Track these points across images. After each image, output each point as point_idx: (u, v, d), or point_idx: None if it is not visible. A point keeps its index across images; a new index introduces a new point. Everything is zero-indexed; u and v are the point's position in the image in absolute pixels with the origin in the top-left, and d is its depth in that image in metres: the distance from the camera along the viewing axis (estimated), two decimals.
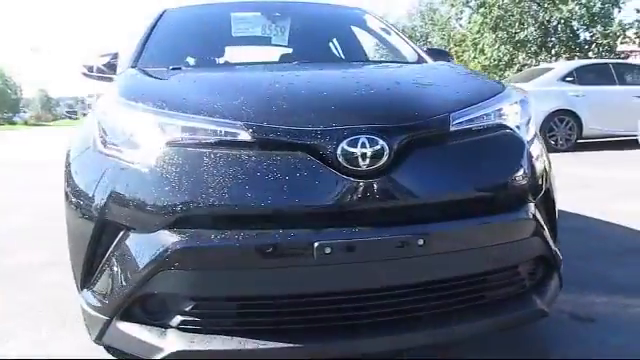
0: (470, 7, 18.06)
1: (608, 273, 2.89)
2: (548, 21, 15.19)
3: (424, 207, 1.61)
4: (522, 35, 15.39)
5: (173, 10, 3.14)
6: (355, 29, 3.24)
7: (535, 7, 15.89)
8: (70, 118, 49.95)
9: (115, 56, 2.80)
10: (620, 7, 14.56)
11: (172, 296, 1.59)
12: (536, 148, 1.91)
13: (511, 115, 1.88)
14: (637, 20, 14.47)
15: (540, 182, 1.84)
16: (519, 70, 14.56)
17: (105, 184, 1.69)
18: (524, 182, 1.76)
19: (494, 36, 16.17)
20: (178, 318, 1.58)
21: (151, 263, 1.54)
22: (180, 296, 1.57)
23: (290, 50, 2.98)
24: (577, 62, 11.24)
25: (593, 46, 15.02)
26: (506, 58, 15.90)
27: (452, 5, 18.66)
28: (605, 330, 2.23)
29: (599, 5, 14.71)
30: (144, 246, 1.57)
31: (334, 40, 3.27)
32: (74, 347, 2.23)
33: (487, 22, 16.25)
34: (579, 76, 9.83)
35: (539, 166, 1.87)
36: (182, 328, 1.58)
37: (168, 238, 1.53)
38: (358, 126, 1.60)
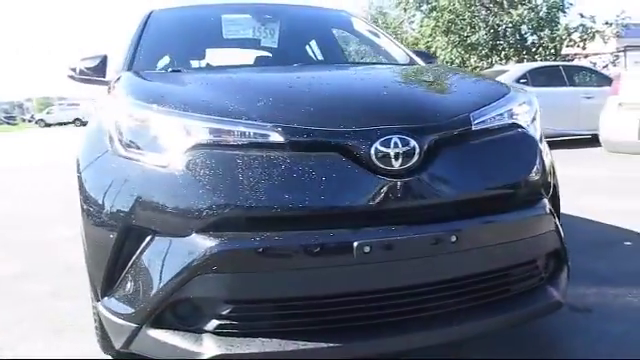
0: (422, 11, 18.43)
1: (591, 266, 3.01)
2: (498, 25, 15.66)
3: (454, 204, 1.66)
4: (473, 39, 15.81)
5: (160, 12, 3.09)
6: (345, 31, 3.27)
7: (484, 12, 16.36)
8: (8, 124, 47.78)
9: (104, 59, 2.74)
10: (565, 12, 15.21)
11: (208, 300, 1.56)
12: (544, 146, 1.99)
13: (521, 114, 1.95)
14: (581, 24, 15.12)
15: (549, 178, 1.92)
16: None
17: (130, 188, 1.66)
18: (539, 178, 1.84)
19: (446, 39, 16.55)
20: (214, 322, 1.56)
21: (187, 267, 1.51)
22: (217, 300, 1.55)
23: (286, 52, 2.98)
24: (530, 64, 11.64)
25: (540, 49, 15.59)
26: (458, 61, 16.29)
27: (404, 9, 18.98)
28: (603, 320, 2.34)
29: (545, 10, 15.30)
30: (178, 250, 1.55)
31: (326, 42, 3.30)
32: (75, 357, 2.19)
33: (439, 26, 16.61)
34: (532, 78, 10.18)
35: (548, 163, 1.95)
36: (218, 332, 1.56)
37: (205, 241, 1.51)
38: (390, 126, 1.62)
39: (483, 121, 1.80)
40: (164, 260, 1.57)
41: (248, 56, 3.13)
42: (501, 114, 1.88)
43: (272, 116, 1.65)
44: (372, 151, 1.58)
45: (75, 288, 3.04)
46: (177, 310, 1.60)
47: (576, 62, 15.26)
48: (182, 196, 1.57)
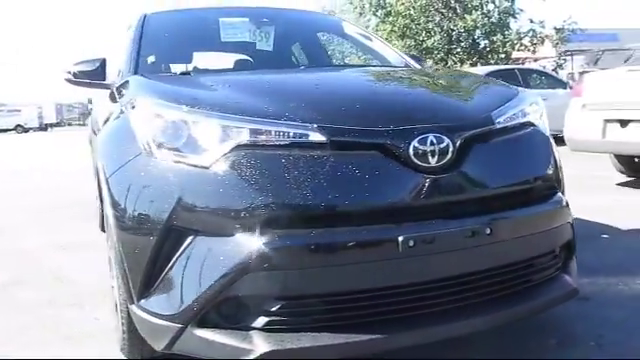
0: (377, 16, 18.71)
1: (578, 258, 3.17)
2: (452, 30, 16.09)
3: (486, 198, 1.75)
4: (429, 43, 16.20)
5: (156, 15, 3.08)
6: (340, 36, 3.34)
7: (438, 18, 16.78)
8: None
9: (104, 62, 2.71)
10: (516, 17, 15.80)
11: (257, 298, 1.59)
12: (553, 142, 2.11)
13: (532, 113, 2.06)
14: (531, 29, 15.73)
15: (560, 173, 2.04)
16: None
17: (170, 189, 1.67)
18: (554, 172, 1.95)
19: (402, 43, 16.87)
20: (263, 319, 1.59)
21: (237, 266, 1.54)
22: (266, 297, 1.58)
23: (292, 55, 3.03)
24: (487, 68, 12.01)
25: (492, 53, 16.11)
26: None
27: (360, 14, 19.22)
28: (602, 307, 2.47)
29: (497, 15, 15.85)
30: (225, 250, 1.57)
31: (322, 46, 3.36)
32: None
33: (395, 30, 16.93)
34: None
35: (558, 158, 2.07)
36: (267, 329, 1.59)
37: (256, 240, 1.53)
38: (426, 125, 1.70)
39: (503, 120, 1.90)
40: (210, 260, 1.59)
41: (255, 59, 3.14)
42: (515, 113, 1.98)
43: (312, 116, 1.69)
44: (410, 149, 1.65)
45: (71, 296, 2.99)
46: (223, 309, 1.61)
47: (527, 65, 15.85)
48: (228, 196, 1.59)
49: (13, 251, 4.09)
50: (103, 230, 4.37)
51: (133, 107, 2.00)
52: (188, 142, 1.70)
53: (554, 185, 1.94)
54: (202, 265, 1.60)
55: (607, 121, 5.09)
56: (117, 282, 1.91)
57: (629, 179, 5.88)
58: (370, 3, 17.23)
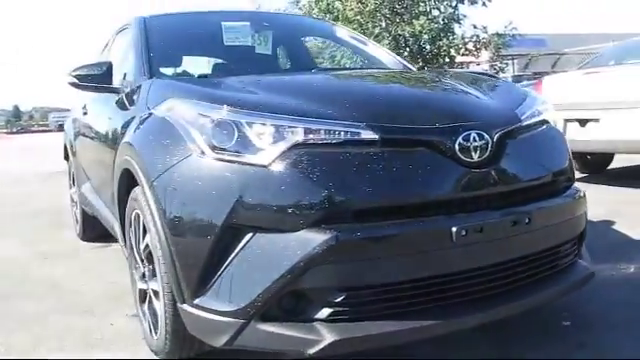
0: (326, 21, 18.92)
1: None
2: (399, 35, 16.46)
3: (523, 190, 1.89)
4: None
5: (155, 18, 3.08)
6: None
7: (385, 23, 17.12)
8: None
9: (110, 66, 2.70)
10: (460, 23, 16.35)
11: (320, 290, 1.65)
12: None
13: (545, 112, 2.21)
14: (475, 35, 16.31)
15: (573, 166, 2.21)
16: None
17: (227, 188, 1.71)
18: (570, 165, 2.11)
19: None
20: (326, 310, 1.65)
21: (302, 260, 1.59)
22: (330, 289, 1.65)
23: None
24: None
25: (438, 57, 16.59)
26: None
27: None
28: (608, 287, 2.63)
29: (441, 21, 16.33)
30: (289, 245, 1.62)
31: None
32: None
33: None
34: None
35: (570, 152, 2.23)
36: (331, 319, 1.65)
37: (320, 235, 1.60)
38: (468, 123, 1.82)
39: (525, 117, 2.04)
40: (273, 255, 1.64)
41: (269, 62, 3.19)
42: (533, 112, 2.13)
43: (360, 116, 1.78)
44: (456, 145, 1.76)
45: (76, 304, 2.94)
46: (285, 302, 1.67)
47: (471, 69, 16.45)
48: (290, 193, 1.65)
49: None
50: (83, 239, 4.31)
51: (170, 109, 2.02)
52: (243, 142, 1.74)
53: (571, 177, 2.10)
54: (265, 261, 1.65)
55: (567, 121, 5.40)
56: (161, 283, 1.92)
57: (583, 175, 6.24)
58: (319, 8, 17.38)
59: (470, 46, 16.42)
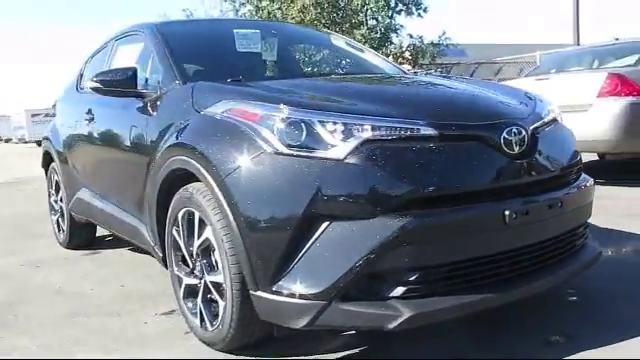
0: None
1: None
2: None
3: (554, 177, 2.15)
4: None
5: (164, 25, 3.16)
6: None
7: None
8: None
9: (135, 71, 2.77)
10: (397, 33, 17.04)
11: (396, 270, 1.83)
12: None
13: (554, 111, 2.49)
14: (411, 44, 17.05)
15: None
16: None
17: (305, 180, 1.86)
18: (580, 156, 2.40)
19: None
20: (401, 289, 1.83)
21: (380, 244, 1.77)
22: (404, 269, 1.83)
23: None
24: None
25: None
26: None
27: None
28: (605, 266, 2.93)
29: (380, 31, 16.96)
30: (367, 230, 1.79)
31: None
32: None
33: None
34: None
35: None
36: (404, 297, 1.84)
37: (396, 220, 1.78)
38: (509, 120, 2.07)
39: (544, 115, 2.32)
40: (352, 240, 1.81)
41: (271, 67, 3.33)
42: (546, 111, 2.41)
43: (420, 114, 1.98)
44: (501, 139, 2.00)
45: (96, 307, 2.96)
46: (363, 283, 1.83)
47: None
48: (367, 183, 1.82)
49: None
50: (69, 247, 4.25)
51: (228, 110, 2.14)
52: (315, 139, 1.90)
53: (581, 166, 2.39)
54: (344, 246, 1.81)
55: None
56: (229, 274, 2.03)
57: None
58: (260, 17, 17.54)
59: (407, 55, 17.15)
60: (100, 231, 4.47)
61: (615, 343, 2.07)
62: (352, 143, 1.87)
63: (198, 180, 2.20)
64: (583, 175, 2.38)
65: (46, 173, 4.69)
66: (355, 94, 2.23)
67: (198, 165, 2.13)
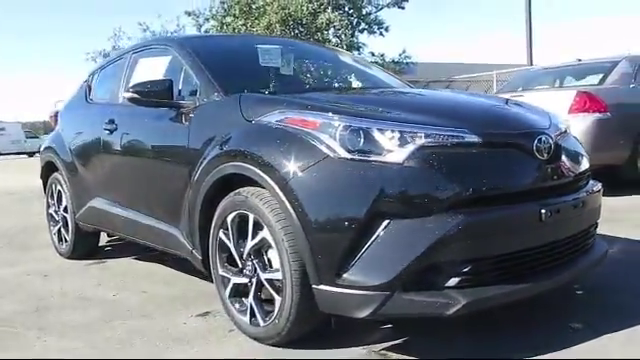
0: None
1: None
2: None
3: (574, 180, 2.42)
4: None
5: (188, 40, 3.31)
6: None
7: None
8: None
9: (171, 83, 2.91)
10: (360, 50, 17.48)
11: (451, 263, 2.04)
12: None
13: (563, 123, 2.78)
14: (373, 62, 17.49)
15: None
16: None
17: (369, 182, 2.05)
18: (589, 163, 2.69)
19: None
20: (455, 279, 2.04)
21: (439, 239, 1.97)
22: (458, 262, 2.04)
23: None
24: None
25: None
26: None
27: None
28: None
29: (343, 48, 17.36)
30: (426, 227, 1.99)
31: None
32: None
33: None
34: None
35: None
36: (458, 286, 2.05)
37: (451, 218, 1.99)
38: (539, 129, 2.33)
39: (561, 126, 2.59)
40: (412, 236, 2.00)
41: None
42: (559, 123, 2.69)
43: (463, 124, 2.21)
44: (534, 146, 2.25)
45: (128, 311, 3.02)
46: (422, 274, 2.03)
47: None
48: (422, 185, 2.03)
49: None
50: (71, 257, 4.27)
51: (284, 120, 2.31)
52: (373, 145, 2.10)
53: (591, 172, 2.68)
54: (405, 241, 2.01)
55: None
56: (289, 271, 2.18)
57: None
58: (226, 33, 17.66)
59: None
60: (101, 241, 4.54)
61: (627, 328, 2.33)
62: (409, 149, 2.08)
63: (251, 184, 2.36)
64: (592, 180, 2.67)
65: (45, 184, 4.69)
66: (399, 105, 2.45)
67: (257, 170, 2.28)
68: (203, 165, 2.61)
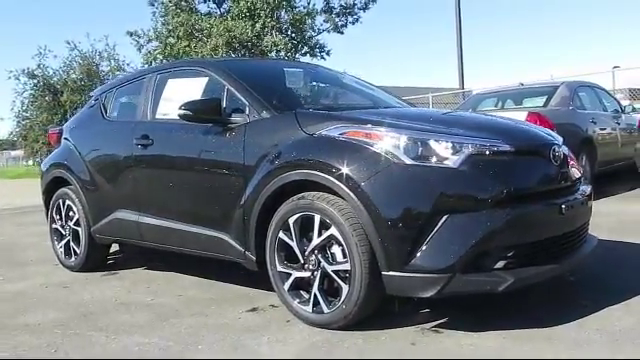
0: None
1: None
2: None
3: (577, 182, 2.96)
4: None
5: (229, 62, 3.65)
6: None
7: None
8: None
9: (219, 101, 3.23)
10: None
11: (499, 249, 2.49)
12: None
13: (560, 138, 3.33)
14: None
15: None
16: None
17: (430, 185, 2.48)
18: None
19: None
20: (502, 262, 2.50)
21: (491, 230, 2.43)
22: (505, 248, 2.50)
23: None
24: None
25: None
26: None
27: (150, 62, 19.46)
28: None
29: None
30: (480, 220, 2.44)
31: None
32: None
33: None
34: None
35: None
36: (504, 268, 2.50)
37: (499, 212, 2.46)
38: (551, 142, 2.87)
39: (561, 140, 3.14)
40: (468, 227, 2.45)
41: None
42: (559, 137, 3.23)
43: (497, 136, 2.70)
44: (551, 155, 2.77)
45: (178, 310, 3.26)
46: (476, 258, 2.47)
47: None
48: (475, 186, 2.49)
49: (13, 291, 3.92)
50: (82, 269, 4.40)
51: (346, 132, 2.71)
52: (431, 153, 2.54)
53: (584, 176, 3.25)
54: (461, 232, 2.45)
55: None
56: (359, 261, 2.56)
57: None
58: (170, 54, 17.69)
59: None
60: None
61: (622, 302, 2.87)
62: (461, 156, 2.53)
63: (314, 189, 2.73)
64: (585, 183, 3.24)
65: (48, 200, 4.76)
66: (438, 121, 2.92)
67: (327, 176, 2.65)
68: (262, 174, 2.94)
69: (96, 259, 4.46)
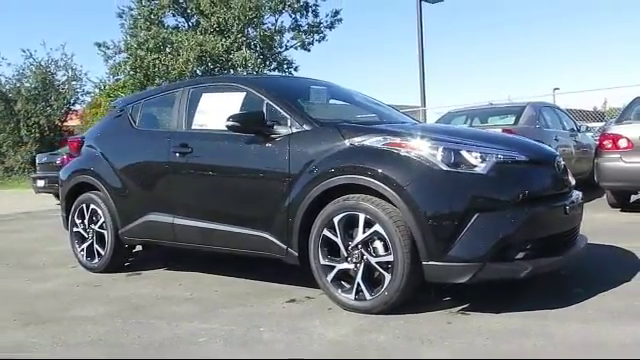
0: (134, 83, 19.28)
1: None
2: None
3: (571, 188, 3.51)
4: None
5: (261, 80, 4.06)
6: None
7: None
8: None
9: (263, 114, 3.64)
10: None
11: (520, 242, 2.98)
12: None
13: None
14: None
15: None
16: None
17: (463, 188, 2.96)
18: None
19: None
20: (521, 253, 2.99)
21: (515, 225, 2.93)
22: (524, 241, 3.00)
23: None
24: None
25: None
26: None
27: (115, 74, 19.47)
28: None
29: None
30: (505, 217, 2.93)
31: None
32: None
33: None
34: None
35: None
36: (523, 258, 3.00)
37: (521, 211, 2.96)
38: (554, 153, 3.42)
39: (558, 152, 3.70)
40: (496, 224, 2.93)
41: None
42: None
43: (513, 148, 3.21)
44: (556, 164, 3.31)
45: (216, 304, 3.56)
46: (501, 250, 2.95)
47: None
48: (500, 188, 2.99)
49: (48, 290, 4.14)
50: (106, 270, 4.65)
51: (386, 142, 3.17)
52: (463, 161, 3.02)
53: (574, 183, 3.79)
54: (490, 227, 2.93)
55: None
56: (401, 253, 2.99)
57: None
58: (140, 66, 17.76)
59: None
60: None
61: (609, 290, 3.41)
62: (489, 164, 3.02)
63: (356, 192, 3.17)
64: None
65: (69, 206, 4.98)
66: (459, 134, 3.41)
67: (373, 180, 3.08)
68: (308, 179, 3.35)
69: (119, 261, 4.72)
